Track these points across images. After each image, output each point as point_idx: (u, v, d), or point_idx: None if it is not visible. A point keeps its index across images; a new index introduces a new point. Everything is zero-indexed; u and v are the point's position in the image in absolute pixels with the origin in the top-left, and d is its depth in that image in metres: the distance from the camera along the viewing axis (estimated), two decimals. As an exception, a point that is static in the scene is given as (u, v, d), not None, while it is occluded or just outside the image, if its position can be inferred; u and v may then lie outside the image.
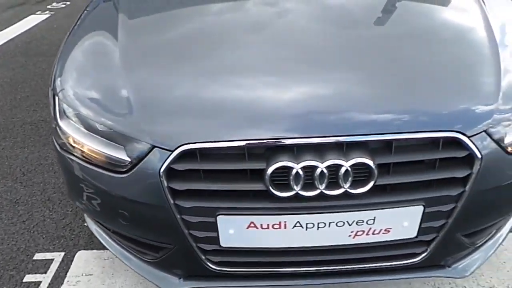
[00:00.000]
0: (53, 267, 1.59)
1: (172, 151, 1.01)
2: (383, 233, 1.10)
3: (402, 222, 1.08)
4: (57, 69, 1.30)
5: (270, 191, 1.01)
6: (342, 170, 0.98)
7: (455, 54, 1.27)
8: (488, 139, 1.05)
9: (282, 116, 1.06)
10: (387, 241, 1.12)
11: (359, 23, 1.43)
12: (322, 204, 1.04)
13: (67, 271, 1.57)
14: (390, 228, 1.09)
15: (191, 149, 1.01)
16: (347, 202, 1.04)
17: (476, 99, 1.11)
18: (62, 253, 1.64)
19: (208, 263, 1.16)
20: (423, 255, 1.17)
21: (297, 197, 1.02)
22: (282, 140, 1.00)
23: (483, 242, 1.30)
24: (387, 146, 1.03)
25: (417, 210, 1.06)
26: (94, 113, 1.12)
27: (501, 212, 1.22)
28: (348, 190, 1.01)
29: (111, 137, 1.09)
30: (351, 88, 1.14)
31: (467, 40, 1.35)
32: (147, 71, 1.21)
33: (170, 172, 1.03)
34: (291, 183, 1.00)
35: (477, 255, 1.29)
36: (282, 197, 1.01)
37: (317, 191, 1.01)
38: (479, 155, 1.03)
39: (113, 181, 1.09)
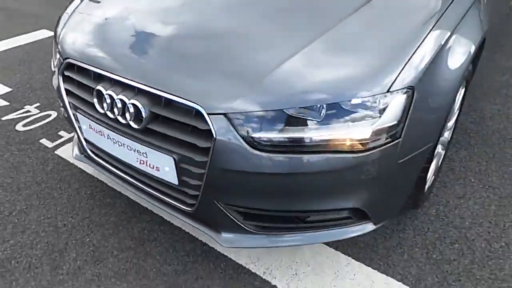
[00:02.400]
0: (74, 132, 2.44)
1: (63, 62, 1.56)
2: (155, 170, 1.39)
3: (164, 166, 1.34)
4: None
5: (94, 104, 1.44)
6: (126, 105, 1.32)
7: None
8: (227, 123, 1.16)
9: (112, 56, 1.43)
10: (161, 178, 1.40)
11: None
12: (118, 127, 1.42)
13: (77, 137, 2.40)
14: (159, 168, 1.37)
15: (70, 63, 1.54)
16: (131, 132, 1.38)
17: (234, 80, 1.21)
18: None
19: (87, 149, 1.70)
20: (192, 207, 1.39)
21: (107, 116, 1.43)
22: (103, 72, 1.41)
23: (263, 231, 1.37)
24: (160, 100, 1.29)
25: (171, 161, 1.30)
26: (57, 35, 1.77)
27: (265, 202, 1.27)
28: (130, 122, 1.35)
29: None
30: (169, 49, 1.37)
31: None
32: (79, 18, 1.74)
33: (64, 76, 1.59)
34: (103, 103, 1.40)
35: (249, 239, 1.37)
36: (100, 112, 1.44)
37: (114, 116, 1.38)
38: (214, 134, 1.17)
39: (55, 76, 1.74)
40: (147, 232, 1.77)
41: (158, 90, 1.29)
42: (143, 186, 1.54)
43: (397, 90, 1.16)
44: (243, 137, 1.18)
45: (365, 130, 1.17)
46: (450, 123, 1.80)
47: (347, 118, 1.17)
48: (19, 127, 2.56)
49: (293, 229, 1.39)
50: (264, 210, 1.32)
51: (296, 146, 1.17)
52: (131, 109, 1.33)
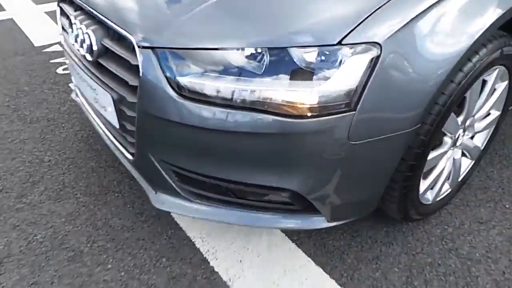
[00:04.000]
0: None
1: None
2: (104, 109, 1.29)
3: (108, 105, 1.24)
4: None
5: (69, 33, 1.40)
6: (84, 35, 1.25)
7: None
8: (155, 60, 1.00)
9: None
10: (108, 120, 1.30)
11: None
12: (80, 60, 1.35)
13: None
14: (105, 107, 1.26)
15: (65, -3, 1.52)
16: (87, 65, 1.30)
17: (169, 10, 1.04)
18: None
19: (74, 88, 1.69)
20: (133, 156, 1.26)
21: (74, 47, 1.37)
22: (79, 2, 1.34)
23: (197, 199, 1.19)
24: (110, 33, 1.19)
25: (111, 100, 1.19)
26: None
27: (193, 163, 1.09)
28: (86, 54, 1.26)
29: None
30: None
31: None
32: None
33: (60, 9, 1.58)
34: (73, 30, 1.35)
35: (179, 204, 1.20)
36: (71, 43, 1.39)
37: (77, 46, 1.32)
38: (140, 71, 1.02)
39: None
40: (116, 184, 1.70)
41: (106, 18, 1.18)
42: (103, 128, 1.47)
43: (352, 44, 0.88)
44: (168, 79, 1.02)
45: (307, 92, 0.92)
46: (463, 119, 1.29)
47: (288, 74, 0.93)
48: (60, 70, 2.71)
49: (228, 204, 1.19)
50: (194, 172, 1.14)
51: (225, 99, 0.98)
52: (87, 40, 1.25)
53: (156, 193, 1.27)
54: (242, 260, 1.36)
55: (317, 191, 1.05)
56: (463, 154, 1.46)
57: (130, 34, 1.07)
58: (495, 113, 1.42)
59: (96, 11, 1.23)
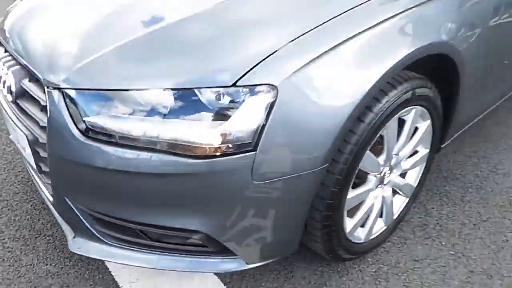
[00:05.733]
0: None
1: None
2: (24, 150, 1.26)
3: (25, 146, 1.21)
4: None
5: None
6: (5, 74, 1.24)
7: None
8: (62, 100, 1.01)
9: (12, 33, 1.33)
10: (28, 161, 1.27)
11: None
12: (5, 102, 1.33)
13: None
14: (25, 149, 1.24)
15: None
16: (10, 106, 1.28)
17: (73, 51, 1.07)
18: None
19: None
20: (53, 199, 1.22)
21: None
22: (5, 44, 1.34)
23: (116, 242, 1.14)
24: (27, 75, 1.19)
25: (26, 140, 1.17)
26: None
27: (105, 206, 1.06)
28: (7, 95, 1.25)
29: None
30: (41, 26, 1.28)
31: None
32: None
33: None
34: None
35: (97, 248, 1.15)
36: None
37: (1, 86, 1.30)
38: (48, 112, 1.02)
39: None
40: (49, 227, 1.64)
41: (22, 59, 1.18)
42: (30, 169, 1.43)
43: (248, 85, 0.90)
44: (73, 119, 1.01)
45: (209, 132, 0.92)
46: (386, 158, 1.29)
47: (191, 114, 0.93)
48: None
49: (145, 246, 1.15)
50: (105, 215, 1.10)
51: (129, 139, 0.96)
52: (8, 81, 1.24)
53: (74, 237, 1.22)
54: (169, 306, 1.30)
55: (227, 232, 1.03)
56: (395, 192, 1.47)
57: (40, 74, 1.07)
58: (423, 151, 1.44)
59: (15, 52, 1.23)
